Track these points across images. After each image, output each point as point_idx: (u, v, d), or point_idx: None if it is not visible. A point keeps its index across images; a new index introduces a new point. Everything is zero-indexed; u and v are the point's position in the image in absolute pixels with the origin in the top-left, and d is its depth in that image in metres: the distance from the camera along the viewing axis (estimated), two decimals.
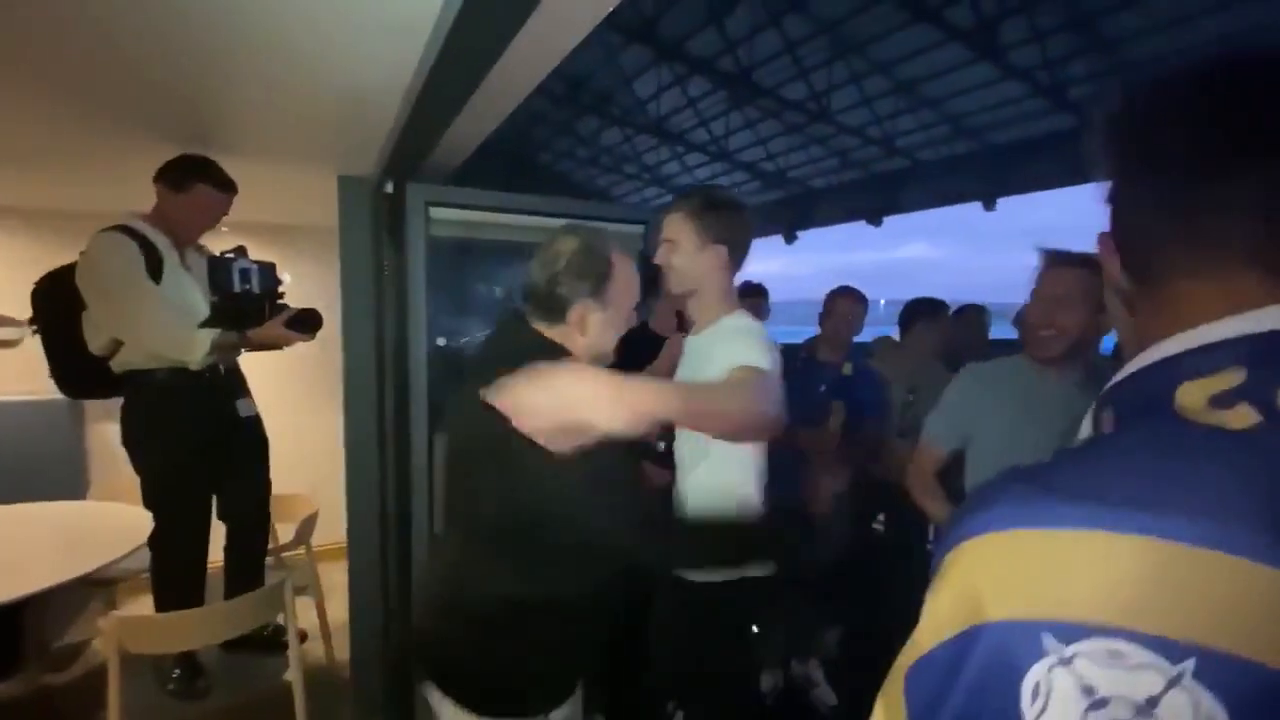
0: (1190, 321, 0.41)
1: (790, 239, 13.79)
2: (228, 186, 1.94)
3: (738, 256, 1.26)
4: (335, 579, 2.70)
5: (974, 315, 2.88)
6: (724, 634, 1.24)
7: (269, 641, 2.25)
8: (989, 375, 1.52)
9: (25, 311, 2.58)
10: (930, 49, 7.92)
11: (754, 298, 2.78)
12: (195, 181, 1.88)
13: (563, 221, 1.97)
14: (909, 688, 0.36)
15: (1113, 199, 0.47)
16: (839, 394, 2.24)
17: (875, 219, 11.88)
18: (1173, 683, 0.30)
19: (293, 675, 1.70)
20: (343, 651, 2.16)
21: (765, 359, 1.10)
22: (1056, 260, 1.35)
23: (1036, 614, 0.32)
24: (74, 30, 1.10)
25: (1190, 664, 0.29)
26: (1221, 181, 0.40)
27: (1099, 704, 0.30)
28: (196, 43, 1.14)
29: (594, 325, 1.03)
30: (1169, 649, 0.30)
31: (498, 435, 0.83)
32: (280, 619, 1.70)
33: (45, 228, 2.84)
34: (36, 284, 2.00)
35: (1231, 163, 0.40)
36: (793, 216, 13.45)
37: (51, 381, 2.64)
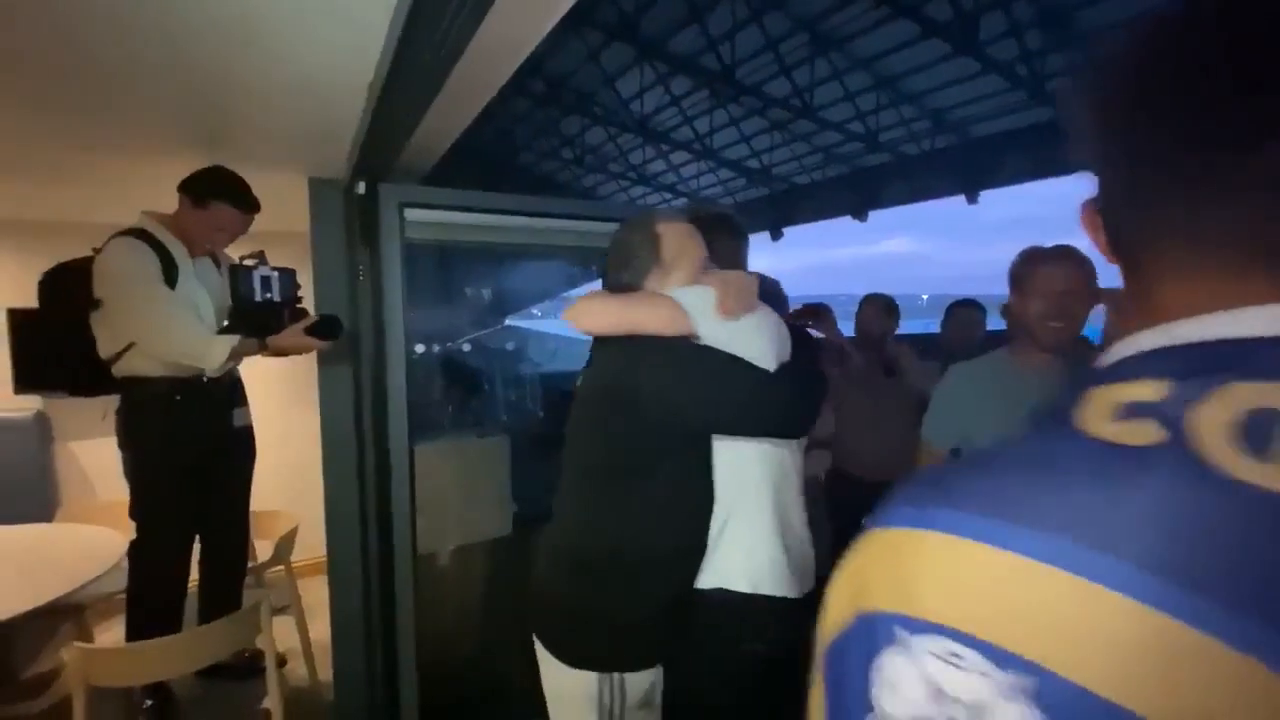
0: (1161, 317, 0.36)
1: (776, 235, 13.79)
2: (250, 207, 1.95)
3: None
4: (317, 595, 2.62)
5: (967, 312, 2.85)
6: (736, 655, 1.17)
7: (248, 666, 2.16)
8: (976, 373, 1.54)
9: None
10: (910, 44, 7.97)
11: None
12: (216, 200, 1.89)
13: (544, 220, 1.94)
14: (826, 664, 0.37)
15: (1097, 162, 0.41)
16: None
17: (859, 214, 11.92)
18: (1005, 695, 0.29)
19: (271, 704, 1.63)
20: (325, 671, 2.09)
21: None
22: (1062, 254, 1.37)
23: (894, 607, 0.33)
24: (41, 36, 1.04)
25: (1024, 680, 0.29)
26: (1222, 143, 0.33)
27: (935, 697, 0.31)
28: (158, 44, 1.07)
29: (669, 287, 1.16)
30: (1004, 660, 0.30)
31: (604, 366, 1.14)
32: (258, 642, 1.63)
33: (3, 239, 2.73)
34: (44, 276, 1.97)
35: (1235, 118, 0.33)
36: (779, 213, 13.47)
37: (15, 399, 2.56)
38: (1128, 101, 0.38)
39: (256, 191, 1.95)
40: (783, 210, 13.43)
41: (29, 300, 2.02)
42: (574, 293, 2.92)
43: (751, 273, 1.26)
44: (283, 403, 2.96)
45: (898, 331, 2.61)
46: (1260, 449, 0.29)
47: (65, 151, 1.81)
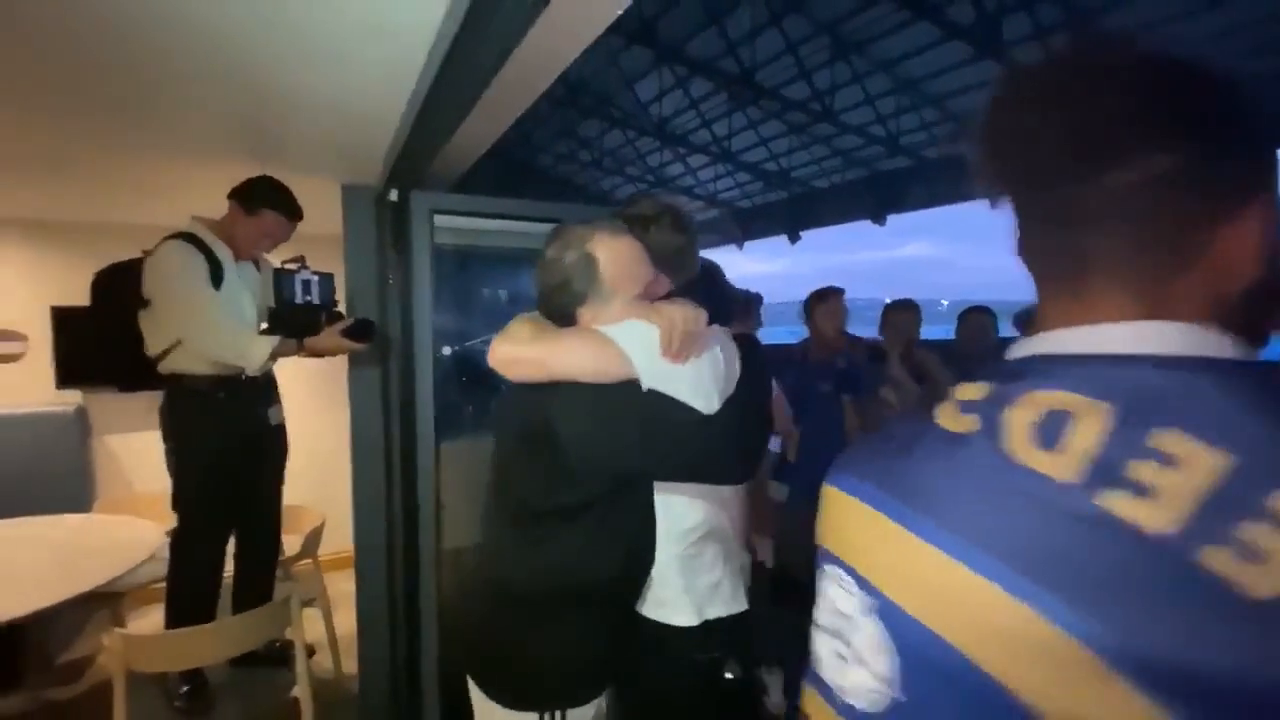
0: (1037, 331, 0.44)
1: (795, 239, 13.74)
2: (295, 215, 2.04)
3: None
4: (341, 588, 2.68)
5: (980, 318, 2.85)
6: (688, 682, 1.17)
7: (278, 655, 2.23)
8: None
9: (34, 323, 2.59)
10: (932, 47, 7.91)
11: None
12: (264, 207, 1.99)
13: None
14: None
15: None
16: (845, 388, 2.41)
17: (878, 218, 11.84)
18: (863, 611, 0.41)
19: (301, 692, 1.68)
20: (350, 663, 2.14)
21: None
22: None
23: (822, 543, 0.49)
24: (81, 42, 1.09)
25: (873, 601, 0.41)
26: (1076, 187, 0.40)
27: (833, 611, 0.44)
28: (204, 52, 1.13)
29: (608, 317, 1.03)
30: (863, 585, 0.42)
31: (521, 403, 1.04)
32: (288, 634, 1.68)
33: (48, 241, 2.83)
34: (97, 276, 2.07)
35: (1085, 164, 0.40)
36: (797, 216, 13.42)
37: (57, 394, 2.65)
38: (993, 151, 0.46)
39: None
40: (801, 213, 13.38)
41: (73, 299, 2.10)
42: None
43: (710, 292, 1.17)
44: (310, 402, 3.03)
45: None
46: (1049, 444, 0.37)
47: (110, 156, 1.89)
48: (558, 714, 1.05)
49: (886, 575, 0.40)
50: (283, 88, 1.27)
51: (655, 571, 1.10)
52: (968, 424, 0.41)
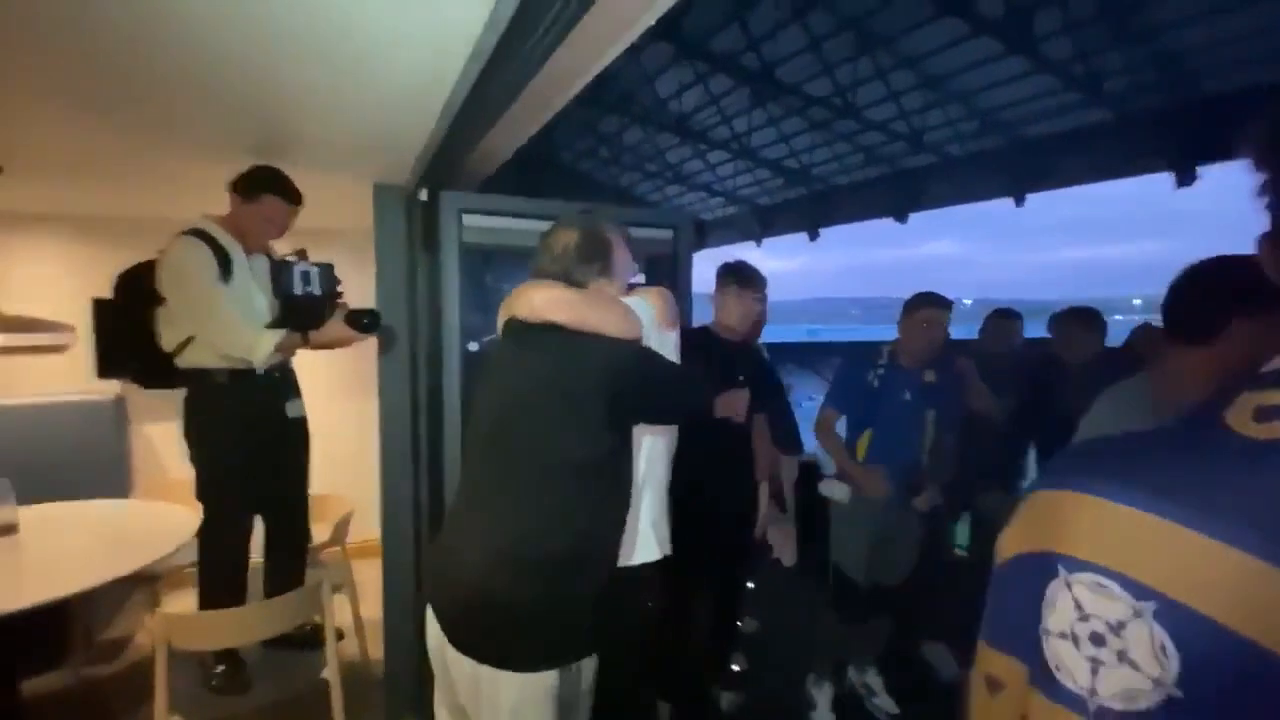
0: None
1: (814, 236, 13.64)
2: (295, 198, 2.06)
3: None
4: (366, 575, 2.74)
5: (1006, 321, 2.83)
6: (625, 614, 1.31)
7: (308, 638, 2.30)
8: (1130, 400, 1.42)
9: (77, 314, 2.69)
10: (959, 42, 7.78)
11: None
12: (264, 193, 2.00)
13: None
14: (994, 581, 0.50)
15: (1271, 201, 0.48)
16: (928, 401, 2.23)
17: (901, 215, 11.70)
18: (1132, 614, 0.40)
19: (330, 674, 1.74)
20: (376, 648, 2.21)
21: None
22: None
23: (1057, 549, 0.45)
24: (123, 43, 1.14)
25: (1151, 604, 0.40)
26: None
27: (1081, 616, 0.42)
28: (243, 53, 1.17)
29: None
30: (1135, 589, 0.41)
31: (553, 355, 1.15)
32: (318, 618, 1.74)
33: (93, 235, 2.94)
34: (120, 276, 2.13)
35: None
36: (816, 213, 13.31)
37: (98, 383, 2.75)
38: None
39: (321, 194, 2.07)
40: (821, 210, 13.26)
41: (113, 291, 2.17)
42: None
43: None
44: (332, 395, 3.11)
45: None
46: None
47: (150, 155, 1.96)
48: (574, 667, 1.12)
49: (1172, 578, 0.40)
50: (323, 91, 1.32)
51: (630, 520, 1.22)
52: (1274, 430, 0.41)
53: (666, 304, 1.25)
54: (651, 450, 1.24)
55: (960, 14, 6.99)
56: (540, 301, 1.15)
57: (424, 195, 1.77)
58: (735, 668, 2.48)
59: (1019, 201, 9.85)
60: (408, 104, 1.28)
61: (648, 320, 1.20)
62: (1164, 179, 8.03)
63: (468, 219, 1.83)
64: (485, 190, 2.10)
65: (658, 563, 1.28)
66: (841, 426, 2.37)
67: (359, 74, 1.16)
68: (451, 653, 1.15)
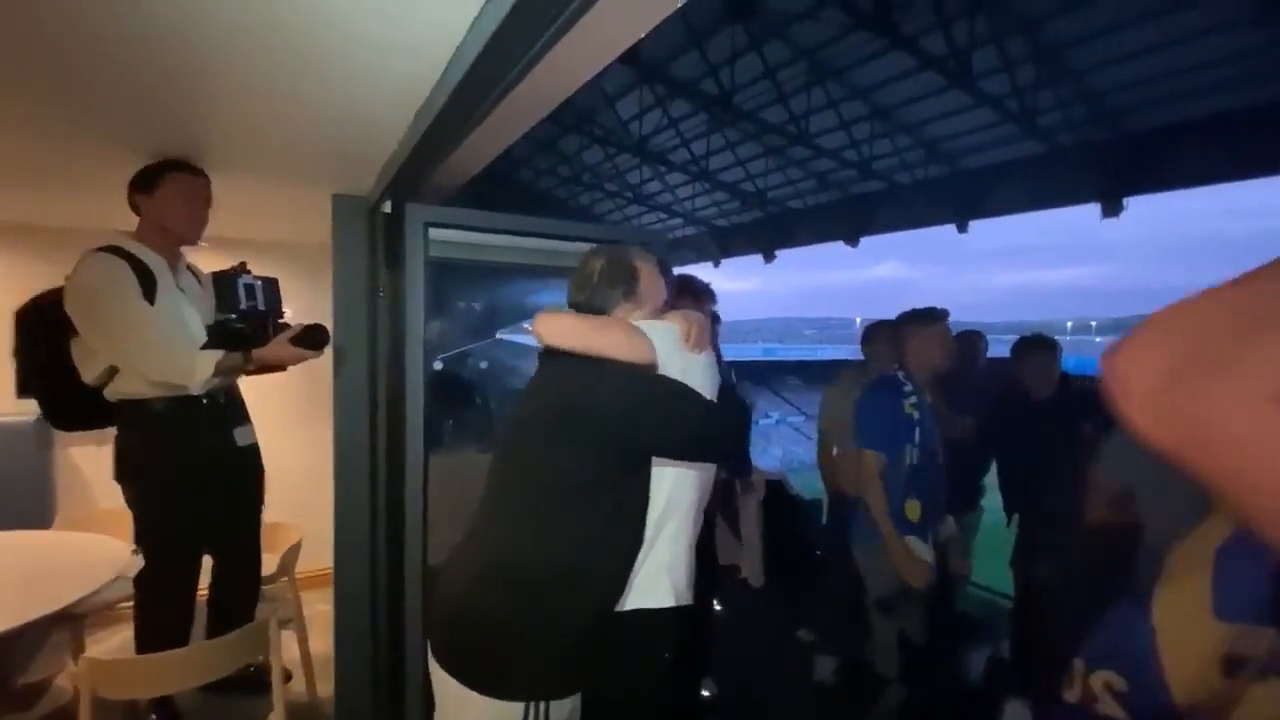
0: None
1: (769, 258, 13.97)
2: (198, 171, 1.82)
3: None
4: (316, 608, 2.60)
5: (973, 339, 2.92)
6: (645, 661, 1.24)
7: (250, 680, 2.13)
8: None
9: None
10: (905, 76, 8.19)
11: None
12: (163, 174, 1.77)
13: (550, 241, 1.97)
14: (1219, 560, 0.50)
15: None
16: None
17: (852, 239, 12.12)
18: None
19: (276, 719, 1.61)
20: (326, 685, 2.07)
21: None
22: None
23: None
24: (61, 42, 1.05)
25: None
26: None
27: None
28: (194, 58, 1.10)
29: (635, 320, 1.22)
30: None
31: (559, 380, 1.17)
32: (263, 657, 1.61)
33: (14, 244, 2.72)
34: (18, 311, 1.88)
35: None
36: (772, 236, 13.65)
37: (16, 402, 2.53)
38: None
39: (267, 205, 1.96)
40: (776, 233, 13.62)
41: None
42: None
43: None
44: (280, 416, 2.95)
45: None
46: None
47: (83, 160, 1.81)
48: (542, 705, 1.07)
49: None
50: (279, 92, 1.25)
51: (639, 559, 1.15)
52: None
53: (692, 326, 1.21)
54: (675, 489, 1.18)
55: (907, 49, 7.35)
56: (544, 330, 1.18)
57: (388, 207, 1.71)
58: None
59: (961, 228, 10.35)
60: (378, 111, 1.23)
61: (669, 344, 1.17)
62: (1092, 209, 8.59)
63: (433, 233, 1.78)
64: (445, 206, 2.05)
65: (676, 612, 1.20)
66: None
67: (322, 75, 1.10)
68: (436, 670, 1.13)
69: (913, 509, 1.96)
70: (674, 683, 1.28)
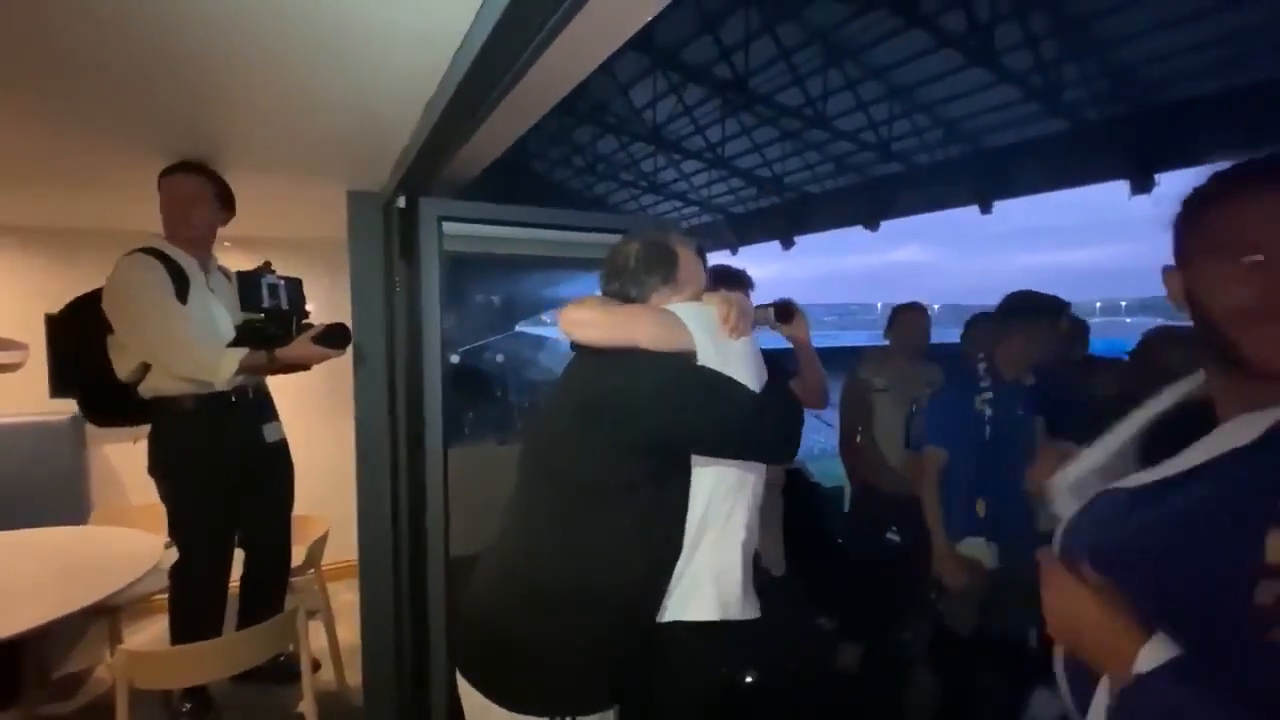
0: None
1: (788, 244, 13.81)
2: (187, 169, 1.85)
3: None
4: (343, 598, 2.65)
5: (1077, 329, 2.82)
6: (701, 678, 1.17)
7: (280, 670, 2.18)
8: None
9: (27, 330, 2.55)
10: (924, 55, 7.99)
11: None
12: (160, 177, 1.84)
13: (565, 232, 1.96)
14: None
15: None
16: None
17: (871, 223, 11.93)
18: None
19: (306, 708, 1.65)
20: (354, 674, 2.11)
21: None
22: None
23: None
24: (76, 44, 1.07)
25: None
26: None
27: None
28: (206, 52, 1.11)
29: (674, 305, 1.13)
30: None
31: (587, 374, 1.10)
32: (292, 647, 1.65)
33: (45, 247, 2.79)
34: (56, 313, 1.96)
35: None
36: (790, 222, 13.49)
37: (51, 403, 2.61)
38: None
39: (285, 204, 1.97)
40: (794, 219, 13.45)
41: None
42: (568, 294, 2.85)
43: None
44: (305, 409, 3.00)
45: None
46: None
47: (107, 161, 1.84)
48: None
49: None
50: (295, 90, 1.25)
51: (679, 569, 1.09)
52: None
53: (731, 308, 1.09)
54: (715, 490, 1.09)
55: (925, 27, 7.17)
56: (568, 324, 1.11)
57: (401, 202, 1.71)
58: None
59: (984, 209, 10.11)
60: (389, 104, 1.22)
61: (706, 329, 1.07)
62: (1121, 186, 8.32)
63: (447, 226, 1.78)
64: (458, 200, 2.05)
65: (724, 627, 1.10)
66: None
67: (337, 71, 1.11)
68: (460, 679, 1.09)
69: (980, 508, 1.86)
70: (728, 701, 1.18)
